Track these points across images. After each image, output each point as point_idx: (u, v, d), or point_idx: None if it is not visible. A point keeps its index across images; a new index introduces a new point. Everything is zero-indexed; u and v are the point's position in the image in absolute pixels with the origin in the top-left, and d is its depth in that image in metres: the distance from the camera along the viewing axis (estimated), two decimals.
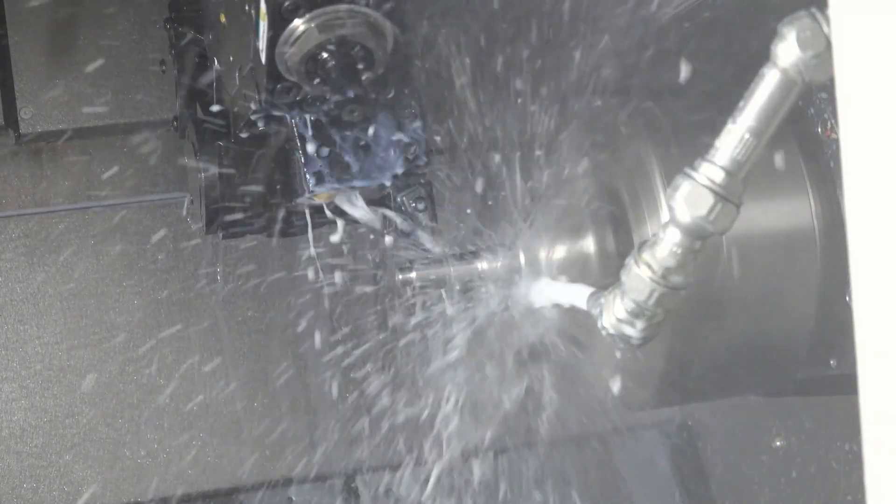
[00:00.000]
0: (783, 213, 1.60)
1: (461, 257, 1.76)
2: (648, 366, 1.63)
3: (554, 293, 1.70)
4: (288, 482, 2.50)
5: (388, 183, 1.68)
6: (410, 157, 1.66)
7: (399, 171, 1.65)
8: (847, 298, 1.60)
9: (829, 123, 1.62)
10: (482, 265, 1.74)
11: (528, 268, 1.74)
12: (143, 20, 2.38)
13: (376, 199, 1.75)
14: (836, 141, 1.60)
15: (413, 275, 1.73)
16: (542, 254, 1.74)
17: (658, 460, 2.61)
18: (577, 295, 1.58)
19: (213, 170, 1.83)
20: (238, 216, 1.84)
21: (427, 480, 2.30)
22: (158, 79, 2.37)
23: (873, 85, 0.89)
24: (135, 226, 2.46)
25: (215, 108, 1.91)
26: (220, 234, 1.89)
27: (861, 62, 0.90)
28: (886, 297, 0.89)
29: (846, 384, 1.68)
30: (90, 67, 2.38)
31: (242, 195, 1.83)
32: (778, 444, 2.25)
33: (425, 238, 1.75)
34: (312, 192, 1.65)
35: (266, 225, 1.85)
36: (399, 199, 1.73)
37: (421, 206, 1.73)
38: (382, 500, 2.53)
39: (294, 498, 2.51)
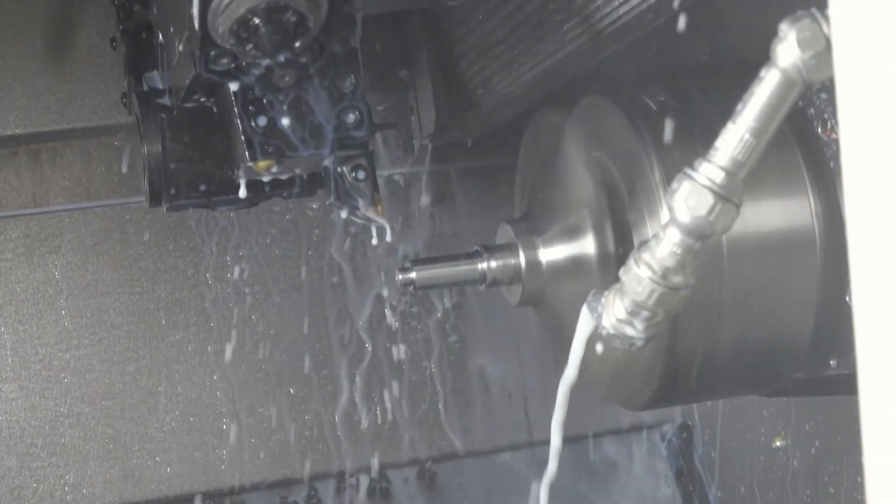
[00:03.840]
0: (783, 213, 1.60)
1: (462, 257, 1.76)
2: (648, 366, 1.63)
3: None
4: (288, 482, 2.50)
5: (327, 153, 1.68)
6: (350, 126, 1.65)
7: (338, 140, 1.65)
8: (847, 298, 1.60)
9: (829, 123, 1.62)
10: (482, 265, 1.74)
11: (528, 268, 1.74)
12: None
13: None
14: (836, 141, 1.60)
15: (413, 275, 1.73)
16: (543, 253, 1.74)
17: (658, 460, 2.61)
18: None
19: (156, 143, 1.84)
20: (181, 188, 1.85)
21: None
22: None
23: (873, 85, 0.89)
24: (135, 226, 2.46)
25: (156, 80, 1.92)
26: (165, 207, 1.91)
27: (861, 62, 0.90)
28: (886, 297, 0.89)
29: (846, 384, 1.68)
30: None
31: (184, 167, 1.84)
32: (778, 444, 2.25)
33: (365, 208, 1.75)
34: (250, 162, 1.66)
35: (209, 197, 1.86)
36: (339, 170, 1.72)
37: (361, 175, 1.73)
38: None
39: (295, 498, 2.51)
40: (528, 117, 1.94)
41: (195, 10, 1.46)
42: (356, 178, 1.71)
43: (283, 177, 1.74)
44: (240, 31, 1.45)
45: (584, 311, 1.47)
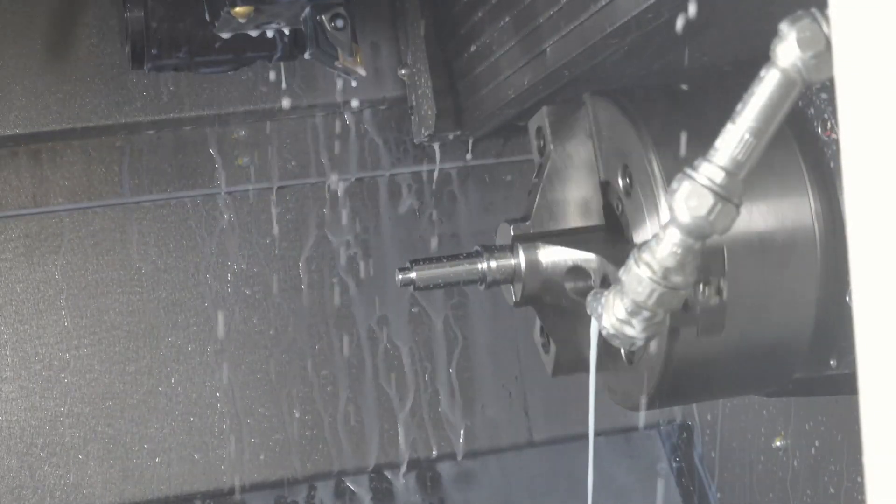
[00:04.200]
0: (783, 213, 1.60)
1: (462, 257, 1.76)
2: (648, 366, 1.63)
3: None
4: (288, 482, 2.49)
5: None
6: None
7: None
8: (847, 298, 1.60)
9: (829, 123, 1.62)
10: (482, 265, 1.74)
11: (527, 268, 1.74)
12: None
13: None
14: (836, 141, 1.60)
15: (413, 275, 1.73)
16: (542, 253, 1.74)
17: (658, 460, 2.61)
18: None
19: (139, 7, 1.90)
20: (163, 48, 1.90)
21: None
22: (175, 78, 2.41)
23: (873, 85, 0.89)
24: (135, 226, 2.46)
25: None
26: (147, 68, 1.94)
27: (861, 62, 0.90)
28: (886, 297, 0.89)
29: (846, 384, 1.68)
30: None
31: (167, 27, 1.89)
32: (778, 444, 2.25)
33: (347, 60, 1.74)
34: (230, 8, 1.65)
35: (191, 58, 1.89)
36: (318, 19, 1.71)
37: (340, 24, 1.71)
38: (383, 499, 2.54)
39: (294, 498, 2.51)
40: (529, 117, 1.94)
41: None
42: (335, 28, 1.70)
43: (265, 30, 1.73)
44: None
45: (594, 322, 1.47)
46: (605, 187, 1.72)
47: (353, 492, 2.52)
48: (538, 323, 1.80)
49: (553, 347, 1.75)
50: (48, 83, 2.39)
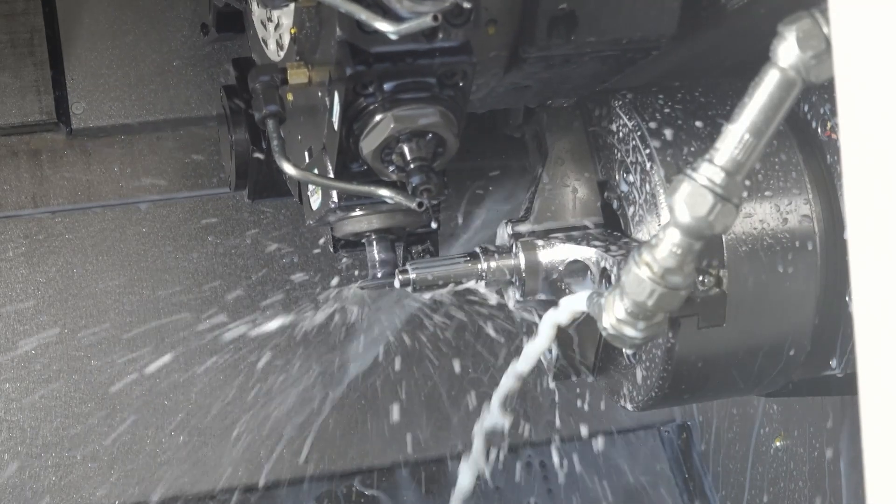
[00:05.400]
0: (783, 213, 1.60)
1: (460, 258, 1.75)
2: (649, 366, 1.63)
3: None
4: (289, 482, 2.50)
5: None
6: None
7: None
8: (847, 298, 1.60)
9: (829, 123, 1.62)
10: (481, 266, 1.74)
11: (527, 268, 1.74)
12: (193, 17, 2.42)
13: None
14: (836, 141, 1.60)
15: (412, 275, 1.73)
16: (542, 254, 1.74)
17: (658, 460, 2.61)
18: (576, 296, 1.59)
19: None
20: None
21: None
22: (200, 77, 2.43)
23: (873, 85, 0.89)
24: (135, 226, 2.46)
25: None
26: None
27: (861, 62, 0.90)
28: (886, 297, 0.89)
29: (846, 384, 1.68)
30: (140, 65, 2.41)
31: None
32: (778, 444, 2.25)
33: None
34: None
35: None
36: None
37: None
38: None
39: (293, 499, 2.51)
40: (529, 117, 1.94)
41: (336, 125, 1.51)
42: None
43: None
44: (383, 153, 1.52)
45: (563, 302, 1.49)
46: (603, 186, 1.72)
47: (361, 492, 2.53)
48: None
49: (554, 351, 1.75)
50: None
